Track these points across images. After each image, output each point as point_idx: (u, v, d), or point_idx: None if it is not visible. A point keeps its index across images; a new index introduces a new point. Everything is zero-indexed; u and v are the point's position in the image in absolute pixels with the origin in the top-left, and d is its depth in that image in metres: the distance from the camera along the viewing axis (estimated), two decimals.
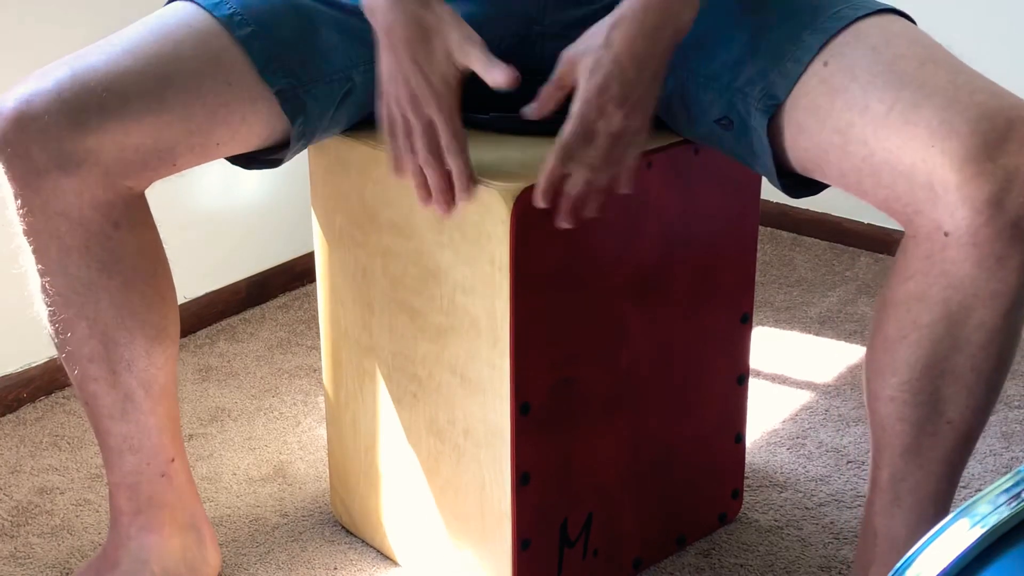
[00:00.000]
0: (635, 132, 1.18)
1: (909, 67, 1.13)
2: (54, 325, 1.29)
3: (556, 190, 1.18)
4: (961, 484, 1.25)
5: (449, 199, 1.22)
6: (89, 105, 1.19)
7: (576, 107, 1.16)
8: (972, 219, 1.07)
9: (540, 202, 1.19)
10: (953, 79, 1.11)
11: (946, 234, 1.09)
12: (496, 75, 1.16)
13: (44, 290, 1.27)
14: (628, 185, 1.20)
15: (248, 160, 1.32)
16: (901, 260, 1.15)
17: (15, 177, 1.22)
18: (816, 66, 1.17)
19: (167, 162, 1.24)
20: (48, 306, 1.28)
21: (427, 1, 1.19)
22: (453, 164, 1.20)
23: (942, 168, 1.07)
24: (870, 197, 1.15)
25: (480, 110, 1.38)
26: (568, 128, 1.16)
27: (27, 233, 1.25)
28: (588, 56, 1.16)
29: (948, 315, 1.12)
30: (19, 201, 1.23)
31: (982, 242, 1.07)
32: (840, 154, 1.15)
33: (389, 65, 1.20)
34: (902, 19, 1.21)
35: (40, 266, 1.26)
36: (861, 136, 1.13)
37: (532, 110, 1.21)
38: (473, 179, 1.21)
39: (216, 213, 2.14)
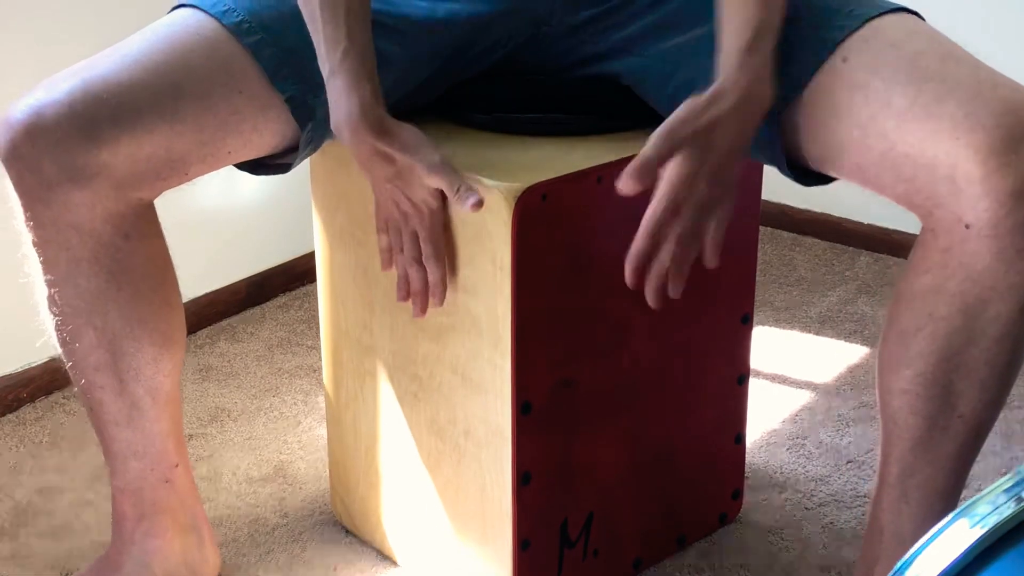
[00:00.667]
0: (720, 202, 1.15)
1: (931, 63, 1.13)
2: (61, 335, 1.29)
3: (645, 266, 1.15)
4: (966, 482, 1.25)
5: (424, 302, 1.30)
6: (102, 117, 1.18)
7: (665, 186, 1.12)
8: (995, 211, 1.07)
9: (629, 279, 1.15)
10: (975, 74, 1.12)
11: (967, 226, 1.09)
12: (464, 205, 1.19)
13: (52, 300, 1.27)
14: (716, 258, 1.17)
15: (255, 166, 1.32)
16: (918, 253, 1.16)
17: (25, 189, 1.21)
18: (835, 62, 1.17)
19: (179, 172, 1.24)
20: (55, 316, 1.27)
21: (385, 129, 1.19)
22: (431, 274, 1.28)
23: (966, 160, 1.08)
24: (888, 191, 1.16)
25: (480, 110, 1.38)
26: (654, 203, 1.13)
27: (36, 244, 1.24)
28: (687, 155, 1.11)
29: (965, 308, 1.13)
30: (28, 213, 1.22)
31: (1003, 234, 1.08)
32: (859, 148, 1.15)
33: (378, 190, 1.27)
34: (916, 18, 1.22)
35: (48, 276, 1.25)
36: (882, 130, 1.13)
37: (628, 186, 1.12)
38: (444, 291, 1.30)
39: (216, 213, 2.13)
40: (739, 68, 1.13)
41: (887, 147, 1.13)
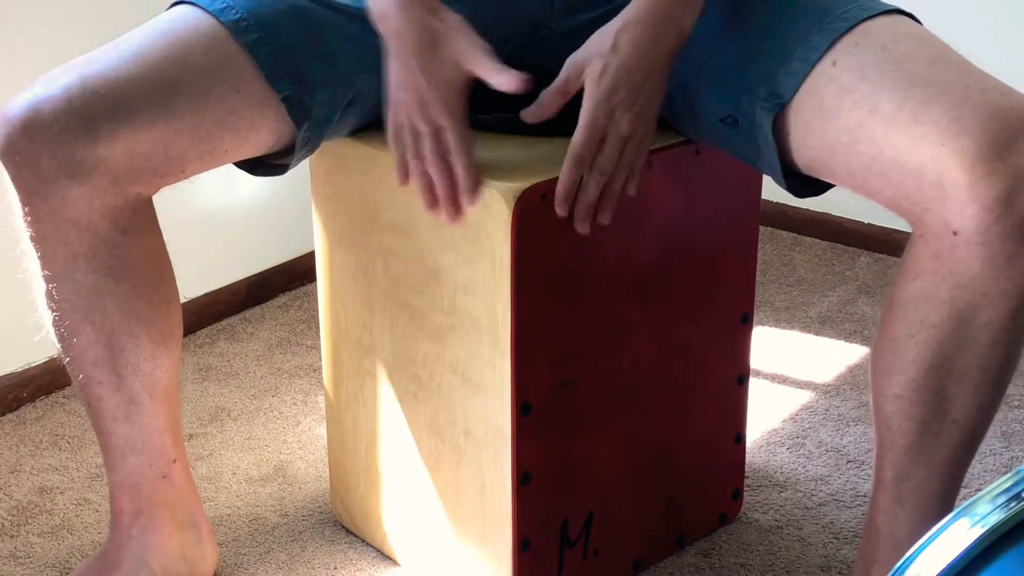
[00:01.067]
0: (643, 135, 1.20)
1: (919, 66, 1.13)
2: (59, 330, 1.29)
3: (573, 197, 1.20)
4: (962, 485, 1.25)
5: (456, 204, 1.22)
6: (100, 113, 1.18)
7: (585, 113, 1.18)
8: (982, 218, 1.07)
9: (559, 209, 1.20)
10: (963, 78, 1.11)
11: (955, 233, 1.09)
12: (506, 81, 1.17)
13: (49, 295, 1.27)
14: (637, 187, 1.22)
15: (254, 165, 1.32)
16: (909, 259, 1.15)
17: (22, 185, 1.21)
18: (824, 65, 1.17)
19: (176, 169, 1.24)
20: (53, 311, 1.28)
21: (436, 9, 1.20)
22: (460, 167, 1.20)
23: (952, 167, 1.07)
24: (878, 196, 1.15)
25: (480, 110, 1.38)
26: (579, 135, 1.18)
27: (34, 239, 1.24)
28: (595, 62, 1.18)
29: (956, 314, 1.12)
30: (26, 208, 1.22)
31: (991, 241, 1.08)
32: (848, 153, 1.15)
33: (397, 72, 1.21)
34: (909, 19, 1.21)
35: (46, 272, 1.26)
36: (870, 135, 1.13)
37: (531, 113, 1.22)
38: (479, 183, 1.22)
39: (216, 213, 2.14)
40: None
41: (875, 152, 1.13)
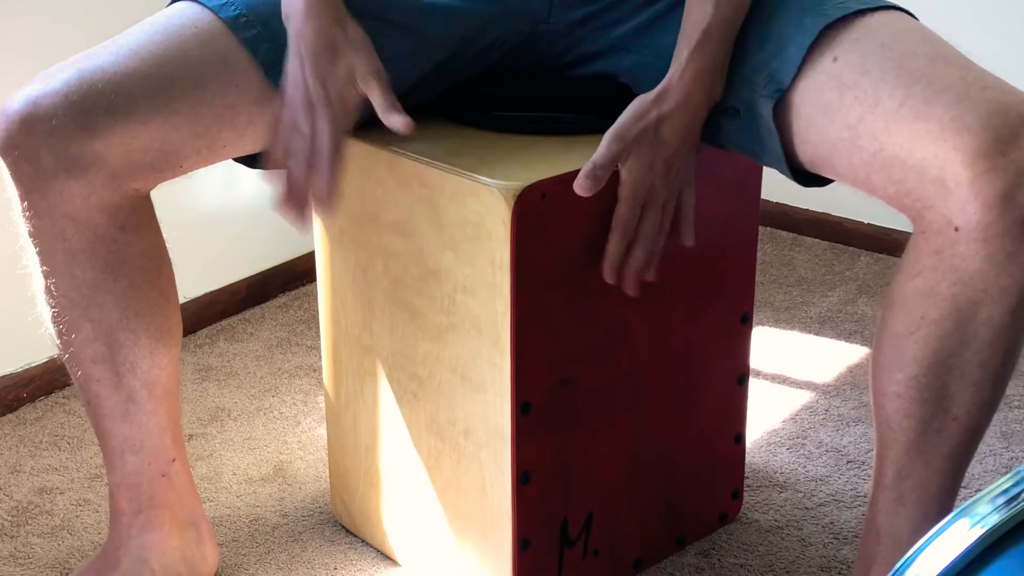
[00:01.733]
0: (680, 193, 1.26)
1: (920, 63, 1.13)
2: (58, 327, 1.29)
3: (621, 265, 1.27)
4: (961, 484, 1.24)
5: (302, 206, 1.22)
6: (97, 108, 1.19)
7: (624, 187, 1.22)
8: (983, 215, 1.07)
9: (610, 280, 1.27)
10: (964, 75, 1.12)
11: (956, 229, 1.09)
12: (392, 121, 1.19)
13: (48, 292, 1.27)
14: (692, 237, 1.29)
15: (252, 159, 1.32)
16: (910, 256, 1.15)
17: (21, 180, 1.22)
18: (825, 61, 1.17)
19: (174, 164, 1.24)
20: (52, 308, 1.28)
21: (342, 20, 1.21)
22: (322, 175, 1.20)
23: (953, 163, 1.07)
24: (879, 192, 1.16)
25: (480, 109, 1.38)
26: (620, 208, 1.23)
27: (32, 235, 1.25)
28: (642, 151, 1.21)
29: (957, 311, 1.12)
30: (25, 203, 1.23)
31: (992, 238, 1.08)
32: (849, 149, 1.15)
33: (293, 71, 1.22)
34: (908, 16, 1.22)
35: (45, 268, 1.26)
36: (871, 131, 1.13)
37: (585, 187, 1.21)
38: (333, 192, 1.21)
39: (216, 213, 2.13)
40: (684, 66, 1.21)
41: (877, 148, 1.13)
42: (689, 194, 1.27)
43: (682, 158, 1.23)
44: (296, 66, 1.22)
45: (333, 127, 1.20)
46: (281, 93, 1.23)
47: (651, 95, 1.21)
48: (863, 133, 1.14)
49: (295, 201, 1.22)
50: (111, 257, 1.25)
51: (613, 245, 1.25)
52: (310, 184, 1.21)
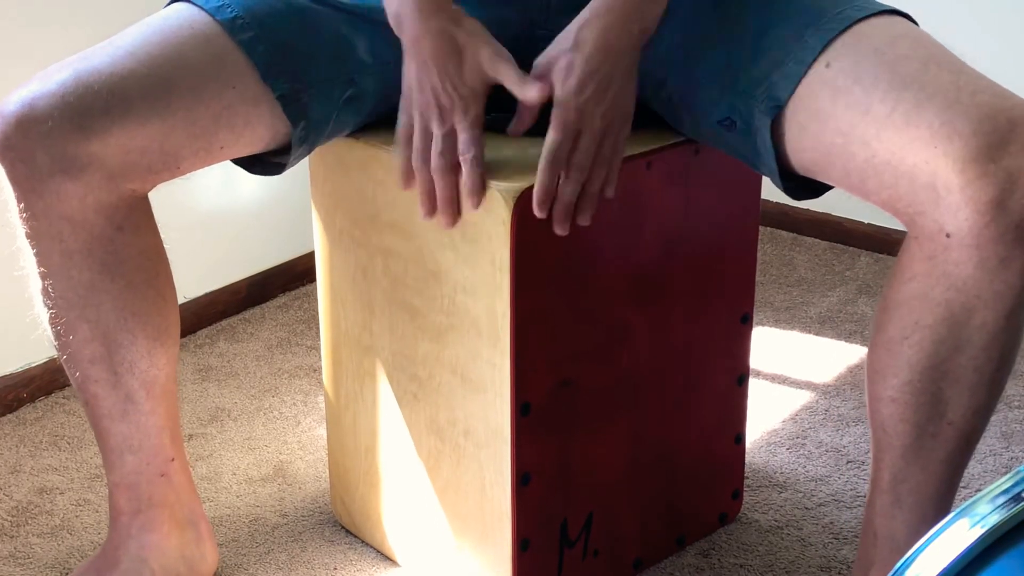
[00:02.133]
0: (617, 130, 1.20)
1: (911, 68, 1.13)
2: (55, 328, 1.29)
3: (552, 198, 1.20)
4: (961, 484, 1.25)
5: (455, 210, 1.22)
6: (93, 109, 1.19)
7: (556, 111, 1.18)
8: (975, 221, 1.07)
9: (538, 212, 1.20)
10: (955, 80, 1.11)
11: (948, 235, 1.09)
12: (529, 91, 1.18)
13: (46, 293, 1.27)
14: (613, 188, 1.22)
15: (251, 163, 1.32)
16: (903, 261, 1.15)
17: (18, 181, 1.22)
18: (819, 67, 1.17)
19: (171, 165, 1.24)
20: (49, 309, 1.28)
21: (457, 17, 1.20)
22: (470, 172, 1.20)
23: (944, 169, 1.07)
24: (873, 198, 1.15)
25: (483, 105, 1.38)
26: (551, 134, 1.18)
27: (29, 236, 1.25)
28: (560, 60, 1.18)
29: (950, 316, 1.12)
30: (22, 205, 1.23)
31: (984, 244, 1.07)
32: (843, 155, 1.15)
33: (416, 74, 1.20)
34: (904, 20, 1.21)
35: (42, 269, 1.26)
36: (863, 137, 1.13)
37: (513, 128, 1.23)
38: (485, 187, 1.22)
39: (216, 213, 2.14)
40: None
41: (869, 154, 1.13)
42: (623, 133, 1.21)
43: (615, 84, 1.18)
44: (417, 72, 1.20)
45: (472, 122, 1.20)
46: (403, 102, 1.22)
47: (567, 44, 1.19)
48: (855, 139, 1.14)
49: (447, 204, 1.22)
50: (108, 258, 1.25)
51: (541, 173, 1.18)
52: (454, 184, 1.21)
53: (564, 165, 1.19)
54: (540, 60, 1.20)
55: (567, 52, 1.18)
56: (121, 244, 1.26)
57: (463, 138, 1.20)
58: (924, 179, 1.09)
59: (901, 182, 1.11)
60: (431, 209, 1.23)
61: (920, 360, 1.15)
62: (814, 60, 1.17)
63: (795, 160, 1.21)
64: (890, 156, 1.11)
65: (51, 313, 1.28)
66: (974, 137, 1.06)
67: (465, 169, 1.20)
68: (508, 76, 1.18)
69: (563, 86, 1.18)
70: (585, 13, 1.19)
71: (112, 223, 1.24)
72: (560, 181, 1.19)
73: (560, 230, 1.21)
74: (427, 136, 1.21)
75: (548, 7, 1.35)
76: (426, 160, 1.21)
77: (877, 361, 1.19)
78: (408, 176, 1.23)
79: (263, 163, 1.32)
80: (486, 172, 1.21)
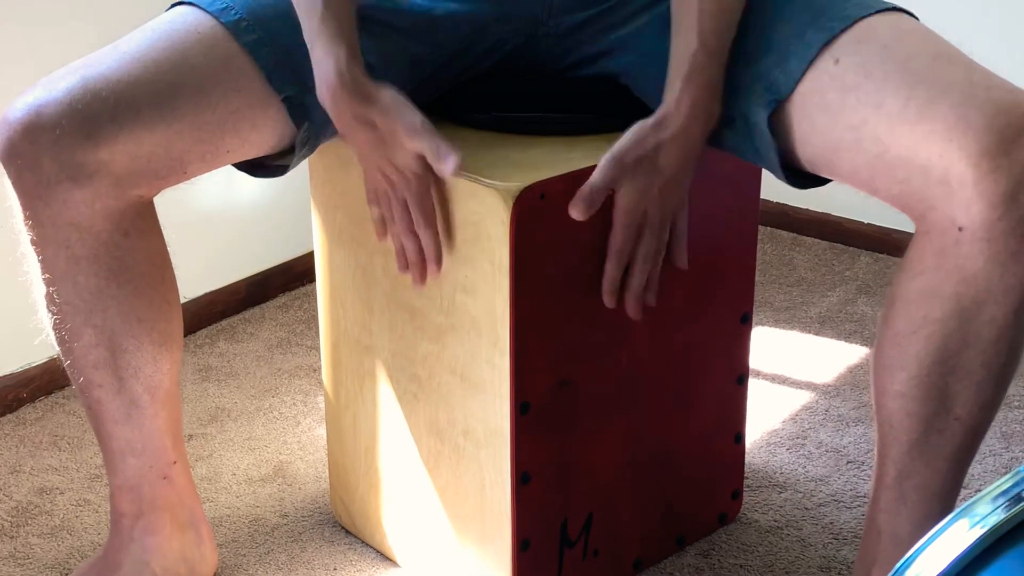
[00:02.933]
0: (675, 215, 1.28)
1: (922, 64, 1.13)
2: (60, 333, 1.29)
3: (618, 288, 1.29)
4: (963, 482, 1.24)
5: (422, 271, 1.29)
6: (101, 115, 1.18)
7: (621, 217, 1.24)
8: (987, 214, 1.07)
9: (609, 304, 1.29)
10: (968, 75, 1.12)
11: (960, 229, 1.09)
12: (443, 166, 1.19)
13: (50, 298, 1.27)
14: (684, 260, 1.31)
15: (253, 167, 1.32)
16: (912, 255, 1.15)
17: (24, 188, 1.21)
18: (827, 63, 1.17)
19: (178, 170, 1.24)
20: (54, 314, 1.27)
21: (367, 94, 1.21)
22: (425, 242, 1.27)
23: (959, 163, 1.07)
24: (883, 193, 1.15)
25: (480, 110, 1.38)
26: (617, 235, 1.25)
27: (34, 243, 1.24)
28: (639, 178, 1.22)
29: (960, 310, 1.12)
30: (27, 212, 1.22)
31: (996, 237, 1.08)
32: (853, 150, 1.15)
33: (363, 157, 1.26)
34: (909, 17, 1.22)
35: (47, 275, 1.25)
36: (875, 132, 1.13)
37: (581, 210, 1.23)
38: (439, 255, 1.28)
39: (216, 213, 2.14)
40: (679, 96, 1.20)
41: (881, 150, 1.13)
42: (683, 217, 1.28)
43: (678, 183, 1.24)
44: (362, 155, 1.26)
45: (414, 196, 1.25)
46: (365, 171, 1.28)
47: (650, 121, 1.21)
48: (867, 134, 1.14)
49: (415, 266, 1.29)
50: (114, 263, 1.25)
51: (610, 270, 1.27)
52: (417, 247, 1.28)
53: (628, 259, 1.27)
54: (616, 157, 1.21)
55: (646, 172, 1.22)
56: (127, 250, 1.25)
57: (413, 212, 1.26)
58: (937, 173, 1.09)
59: (914, 177, 1.11)
60: (403, 265, 1.30)
61: (928, 354, 1.15)
62: (816, 57, 1.17)
63: (802, 155, 1.21)
64: (903, 151, 1.11)
65: (55, 319, 1.28)
66: (989, 131, 1.07)
67: (421, 237, 1.27)
68: (426, 149, 1.20)
69: (629, 197, 1.23)
70: (663, 128, 1.21)
71: (119, 229, 1.24)
72: (624, 273, 1.28)
73: (634, 315, 1.30)
74: (388, 199, 1.27)
75: (551, 5, 1.35)
76: (392, 219, 1.28)
77: (884, 355, 1.19)
78: (382, 231, 1.31)
79: (265, 167, 1.32)
80: (438, 240, 1.27)
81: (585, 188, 1.21)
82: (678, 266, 1.30)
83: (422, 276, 1.29)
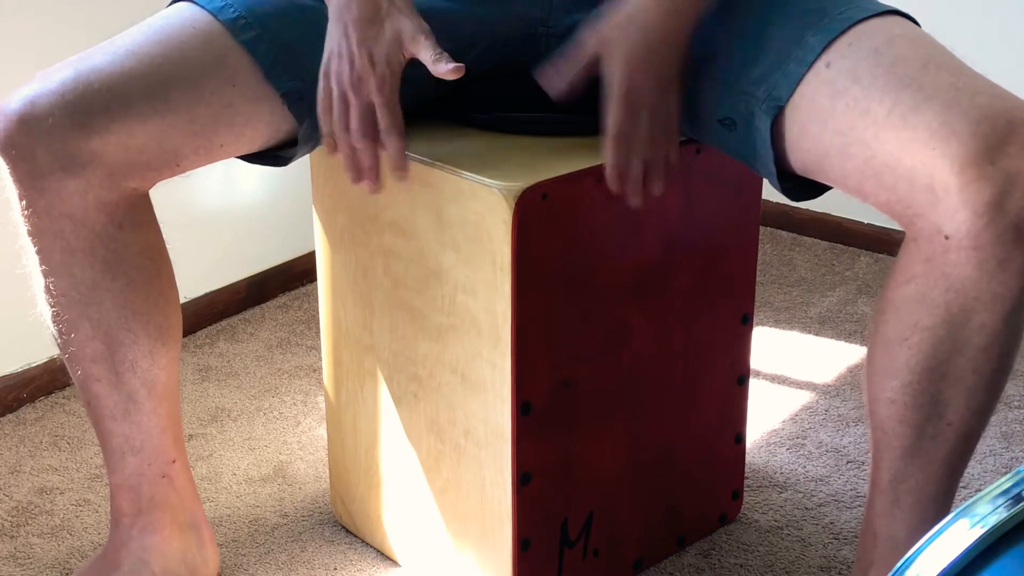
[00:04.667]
0: (670, 106, 1.23)
1: (910, 69, 1.12)
2: (57, 326, 1.29)
3: (621, 173, 1.22)
4: (961, 484, 1.24)
5: (377, 176, 1.22)
6: (94, 107, 1.19)
7: (619, 92, 1.19)
8: (973, 222, 1.06)
9: (614, 188, 1.22)
10: (954, 81, 1.11)
11: (947, 237, 1.08)
12: (443, 68, 1.17)
13: (47, 291, 1.27)
14: (677, 154, 1.24)
15: (253, 155, 1.32)
16: (902, 262, 1.15)
17: (20, 179, 1.22)
18: (818, 67, 1.17)
19: (171, 163, 1.25)
20: (51, 307, 1.28)
21: None
22: (390, 146, 1.21)
23: (942, 171, 1.07)
24: (871, 199, 1.15)
25: (480, 110, 1.38)
26: (615, 113, 1.20)
27: (31, 234, 1.25)
28: (621, 40, 1.19)
29: (949, 318, 1.12)
30: (23, 202, 1.23)
31: (983, 245, 1.07)
32: (841, 156, 1.15)
33: (337, 42, 1.21)
34: (905, 20, 1.21)
35: (44, 267, 1.26)
36: (862, 138, 1.13)
37: (551, 77, 1.22)
38: (406, 164, 1.21)
39: (216, 213, 2.14)
40: None
41: (868, 156, 1.13)
42: (675, 109, 1.23)
43: (669, 63, 1.21)
44: (340, 37, 1.20)
45: (386, 96, 1.19)
46: (324, 68, 1.22)
47: (624, 20, 1.20)
48: (854, 140, 1.13)
49: (371, 172, 1.22)
50: (109, 256, 1.26)
51: (611, 153, 1.21)
52: (373, 152, 1.21)
53: (628, 141, 1.21)
54: (597, 35, 1.20)
55: (630, 32, 1.19)
56: (122, 242, 1.26)
57: (380, 113, 1.19)
58: (922, 181, 1.09)
59: (899, 184, 1.11)
60: (356, 176, 1.23)
61: (919, 362, 1.15)
62: (815, 60, 1.17)
63: (794, 160, 1.21)
64: (888, 157, 1.11)
65: (53, 311, 1.28)
66: (972, 138, 1.06)
67: (387, 144, 1.20)
68: (425, 51, 1.18)
69: (624, 66, 1.19)
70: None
71: (113, 221, 1.25)
72: (627, 158, 1.21)
73: (636, 202, 1.23)
74: (346, 103, 1.21)
75: (550, 5, 1.35)
76: (346, 127, 1.21)
77: (876, 362, 1.19)
78: (331, 143, 1.23)
79: (265, 155, 1.32)
80: (404, 145, 1.21)
81: (567, 55, 1.21)
82: (671, 160, 1.24)
83: (377, 182, 1.23)
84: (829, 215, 2.41)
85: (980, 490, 0.75)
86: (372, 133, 1.21)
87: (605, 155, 1.21)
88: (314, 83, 1.27)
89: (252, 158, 1.33)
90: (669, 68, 1.21)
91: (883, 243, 2.34)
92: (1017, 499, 0.73)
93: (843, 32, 1.17)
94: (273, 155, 1.32)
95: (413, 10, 1.20)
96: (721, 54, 1.25)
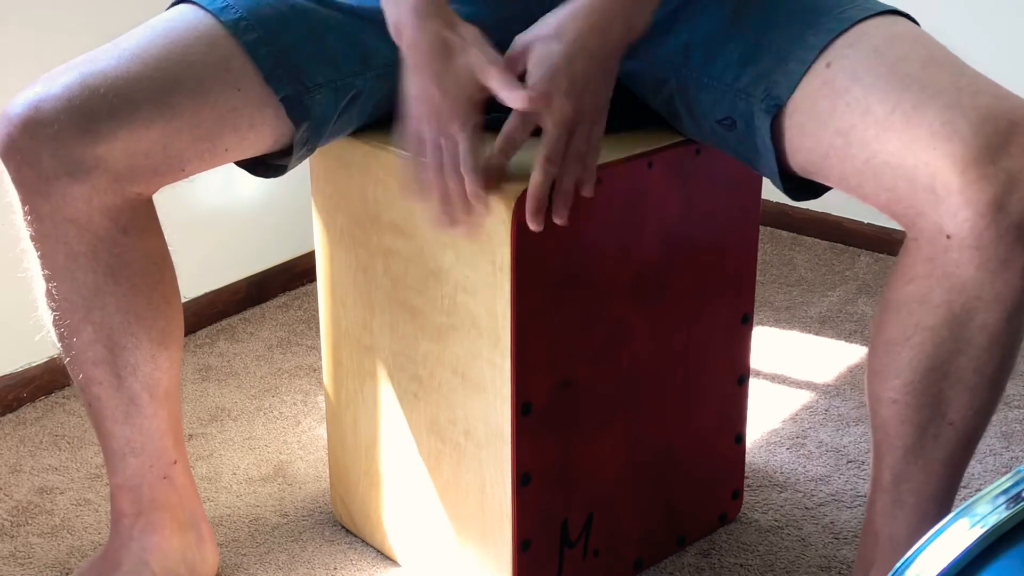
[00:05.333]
0: (589, 126, 1.18)
1: (911, 69, 1.12)
2: (59, 330, 1.29)
3: (544, 202, 1.18)
4: (961, 484, 1.24)
5: (469, 216, 1.20)
6: (99, 111, 1.18)
7: (535, 101, 1.16)
8: (975, 222, 1.06)
9: (531, 216, 1.18)
10: (956, 81, 1.11)
11: (948, 237, 1.08)
12: (516, 98, 1.15)
13: (50, 295, 1.27)
14: (591, 188, 1.20)
15: (254, 165, 1.32)
16: (903, 262, 1.15)
17: (23, 183, 1.21)
18: (819, 67, 1.16)
19: (176, 168, 1.24)
20: (53, 311, 1.28)
21: (452, 22, 1.19)
22: (467, 176, 1.18)
23: (944, 171, 1.07)
24: (872, 199, 1.15)
25: (481, 111, 1.38)
26: (511, 117, 1.18)
27: (34, 239, 1.24)
28: (538, 45, 1.18)
29: (951, 317, 1.12)
30: (27, 207, 1.23)
31: (985, 245, 1.07)
32: (842, 156, 1.15)
33: (413, 83, 1.19)
34: (905, 20, 1.21)
35: (46, 271, 1.26)
36: (863, 138, 1.12)
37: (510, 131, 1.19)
38: (483, 190, 1.19)
39: (216, 213, 2.14)
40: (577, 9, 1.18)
41: (869, 156, 1.12)
42: (595, 134, 1.19)
43: (590, 83, 1.17)
44: (415, 78, 1.19)
45: (465, 131, 1.18)
46: (410, 111, 1.20)
47: (549, 31, 1.18)
48: (855, 140, 1.13)
49: (461, 213, 1.20)
50: (113, 260, 1.25)
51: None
52: (462, 191, 1.19)
53: (561, 161, 1.17)
54: (520, 39, 1.19)
55: (546, 39, 1.17)
56: (126, 247, 1.26)
57: (460, 148, 1.18)
58: (924, 180, 1.08)
59: (900, 184, 1.11)
60: (453, 218, 1.21)
61: (921, 361, 1.15)
62: (815, 60, 1.17)
63: (794, 160, 1.21)
64: (889, 157, 1.11)
65: (55, 315, 1.28)
66: (974, 138, 1.06)
67: (467, 181, 1.18)
68: (496, 81, 1.16)
69: (535, 71, 1.17)
70: (574, 5, 1.18)
71: (117, 226, 1.24)
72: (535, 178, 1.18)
73: (533, 225, 1.19)
74: (436, 145, 1.19)
75: (551, 8, 1.35)
76: (439, 171, 1.19)
77: (877, 362, 1.19)
78: (423, 185, 1.21)
79: (265, 165, 1.32)
80: (482, 177, 1.18)
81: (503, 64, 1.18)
82: (582, 192, 1.20)
83: (470, 221, 1.20)
84: (829, 215, 2.41)
85: (980, 490, 0.75)
86: (458, 170, 1.19)
87: (532, 182, 1.18)
88: (312, 87, 1.27)
89: (252, 169, 1.32)
90: (590, 89, 1.18)
91: (883, 243, 2.34)
92: (1017, 499, 0.73)
93: (843, 31, 1.17)
94: (272, 164, 1.32)
95: (482, 42, 1.18)
96: (720, 54, 1.25)
